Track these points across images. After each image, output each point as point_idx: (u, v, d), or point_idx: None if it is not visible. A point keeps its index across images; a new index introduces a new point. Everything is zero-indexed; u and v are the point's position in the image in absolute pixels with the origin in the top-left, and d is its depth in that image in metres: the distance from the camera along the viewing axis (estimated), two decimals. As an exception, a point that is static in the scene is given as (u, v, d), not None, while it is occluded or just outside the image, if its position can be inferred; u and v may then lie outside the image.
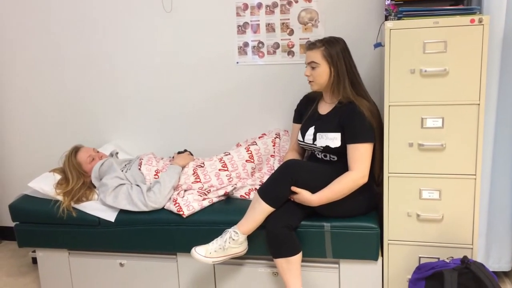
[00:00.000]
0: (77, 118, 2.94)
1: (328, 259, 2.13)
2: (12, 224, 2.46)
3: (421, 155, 1.98)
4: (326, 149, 2.12)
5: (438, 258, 2.02)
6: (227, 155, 2.42)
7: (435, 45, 1.88)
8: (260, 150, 2.44)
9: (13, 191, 3.12)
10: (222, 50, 2.68)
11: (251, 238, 2.08)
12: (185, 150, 2.63)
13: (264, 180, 2.28)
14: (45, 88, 2.94)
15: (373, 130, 2.03)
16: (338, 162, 2.12)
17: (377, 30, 2.45)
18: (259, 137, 2.58)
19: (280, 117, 2.69)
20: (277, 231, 1.99)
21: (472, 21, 1.83)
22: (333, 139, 2.08)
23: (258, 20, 2.60)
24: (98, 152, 2.53)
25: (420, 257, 2.06)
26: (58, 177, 2.43)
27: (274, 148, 2.49)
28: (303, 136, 2.22)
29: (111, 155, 2.61)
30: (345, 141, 2.06)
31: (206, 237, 2.13)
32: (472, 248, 2.00)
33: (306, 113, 2.29)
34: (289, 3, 2.54)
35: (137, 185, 2.30)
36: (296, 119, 2.35)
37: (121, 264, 2.36)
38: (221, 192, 2.31)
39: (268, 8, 2.57)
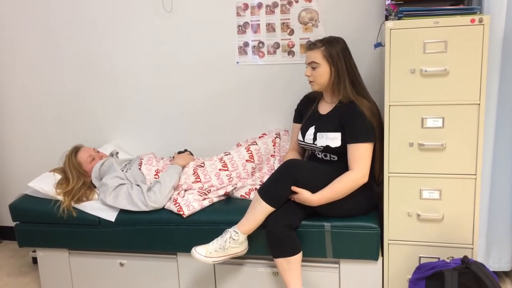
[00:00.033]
0: (77, 118, 2.94)
1: (328, 259, 2.13)
2: (12, 224, 2.46)
3: (422, 155, 1.98)
4: (326, 149, 2.12)
5: (439, 258, 2.02)
6: (227, 155, 2.42)
7: (436, 45, 1.88)
8: (260, 150, 2.44)
9: (13, 191, 3.12)
10: (222, 50, 2.68)
11: (251, 238, 2.08)
12: (185, 150, 2.63)
13: (265, 180, 2.28)
14: (45, 88, 2.94)
15: (374, 130, 2.03)
16: (339, 162, 2.12)
17: (378, 30, 2.45)
18: (259, 137, 2.58)
19: (280, 117, 2.69)
20: (278, 231, 1.99)
21: (473, 21, 1.83)
22: (333, 139, 2.08)
23: (259, 20, 2.60)
24: (98, 152, 2.53)
25: (420, 257, 2.06)
26: (58, 177, 2.43)
27: (274, 148, 2.49)
28: (303, 136, 2.22)
29: (111, 155, 2.61)
30: (345, 141, 2.06)
31: (206, 237, 2.13)
32: (472, 248, 2.00)
33: (306, 113, 2.29)
34: (289, 3, 2.54)
35: (137, 185, 2.30)
36: (296, 119, 2.35)
37: (121, 264, 2.36)
38: (221, 192, 2.32)
39: (268, 8, 2.57)
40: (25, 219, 2.38)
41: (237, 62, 2.68)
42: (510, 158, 2.21)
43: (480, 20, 1.82)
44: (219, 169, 2.36)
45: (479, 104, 1.89)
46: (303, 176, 2.01)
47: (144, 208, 2.23)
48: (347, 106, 2.08)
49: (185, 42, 2.71)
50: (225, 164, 2.38)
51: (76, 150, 2.48)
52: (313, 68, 2.10)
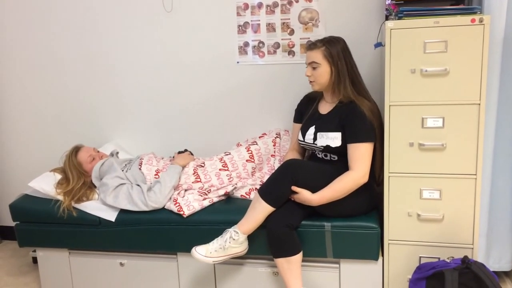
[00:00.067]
0: (77, 117, 2.94)
1: (329, 259, 2.13)
2: (12, 223, 2.46)
3: (422, 155, 1.98)
4: (327, 149, 2.12)
5: (439, 258, 2.02)
6: (227, 154, 2.42)
7: (436, 45, 1.88)
8: (260, 149, 2.44)
9: (13, 191, 3.12)
10: (222, 50, 2.68)
11: (251, 237, 2.08)
12: (186, 150, 2.63)
13: (265, 179, 2.28)
14: (45, 88, 2.94)
15: (374, 130, 2.03)
16: (339, 162, 2.12)
17: (378, 30, 2.45)
18: (259, 137, 2.58)
19: (281, 116, 2.69)
20: (278, 231, 1.99)
21: (473, 20, 1.83)
22: (333, 139, 2.08)
23: (259, 20, 2.60)
24: (98, 151, 2.53)
25: (420, 257, 2.06)
26: (58, 176, 2.43)
27: (274, 148, 2.48)
28: (303, 136, 2.22)
29: (112, 154, 2.61)
30: (345, 141, 2.05)
31: (207, 237, 2.13)
32: (472, 248, 2.00)
33: (306, 113, 2.29)
34: (290, 3, 2.54)
35: (138, 185, 2.30)
36: (297, 119, 2.35)
37: (122, 264, 2.36)
38: (222, 191, 2.31)
39: (268, 7, 2.57)
40: (25, 219, 2.38)
41: (237, 62, 2.68)
42: (510, 158, 2.21)
43: (481, 20, 1.82)
44: (219, 169, 2.36)
45: (479, 104, 1.89)
46: (303, 176, 2.01)
47: (144, 208, 2.23)
48: (348, 106, 2.08)
49: (185, 42, 2.71)
50: (225, 164, 2.38)
51: (76, 150, 2.48)
52: (314, 68, 2.10)
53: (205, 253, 2.00)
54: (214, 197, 2.30)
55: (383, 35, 2.03)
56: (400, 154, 1.99)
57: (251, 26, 2.62)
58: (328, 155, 2.16)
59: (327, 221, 2.07)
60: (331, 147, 2.09)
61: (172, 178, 2.29)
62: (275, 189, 2.02)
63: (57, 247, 2.38)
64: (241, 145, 2.57)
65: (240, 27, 2.63)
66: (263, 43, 2.62)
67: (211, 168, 2.37)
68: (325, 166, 2.11)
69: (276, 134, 2.56)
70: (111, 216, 2.27)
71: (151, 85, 2.81)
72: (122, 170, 2.40)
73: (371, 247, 2.05)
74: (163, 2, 2.68)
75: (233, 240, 2.01)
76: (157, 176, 2.36)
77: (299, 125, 2.31)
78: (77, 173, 2.40)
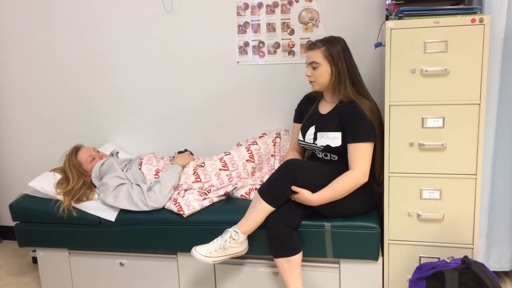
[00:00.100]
0: (77, 117, 2.94)
1: (329, 259, 2.13)
2: (12, 223, 2.46)
3: (422, 155, 1.97)
4: (327, 149, 2.12)
5: (439, 258, 2.02)
6: (227, 154, 2.42)
7: (436, 45, 1.88)
8: (260, 149, 2.44)
9: (13, 191, 3.12)
10: (222, 50, 2.68)
11: (251, 237, 2.08)
12: (186, 150, 2.63)
13: (265, 179, 2.28)
14: (45, 88, 2.94)
15: (374, 130, 2.03)
16: (339, 162, 2.12)
17: (378, 29, 2.45)
18: (259, 137, 2.58)
19: (281, 116, 2.69)
20: (278, 231, 1.99)
21: (473, 20, 1.83)
22: (333, 139, 2.08)
23: (259, 20, 2.60)
24: (98, 151, 2.53)
25: (420, 257, 2.06)
26: (58, 176, 2.43)
27: (274, 148, 2.48)
28: (303, 136, 2.22)
29: (112, 154, 2.61)
30: (345, 141, 2.05)
31: (207, 237, 2.13)
32: (472, 248, 2.00)
33: (306, 112, 2.29)
34: (290, 3, 2.54)
35: (138, 185, 2.29)
36: (297, 119, 2.35)
37: (122, 264, 2.36)
38: (222, 191, 2.31)
39: (268, 7, 2.57)
40: (25, 219, 2.38)
41: (238, 62, 2.68)
42: (510, 158, 2.21)
43: (481, 20, 1.82)
44: (219, 169, 2.36)
45: (479, 104, 1.89)
46: (303, 175, 2.01)
47: (144, 208, 2.23)
48: (348, 105, 2.08)
49: (185, 42, 2.71)
50: (225, 164, 2.38)
51: (76, 149, 2.48)
52: (314, 68, 2.10)
53: (205, 253, 2.00)
54: (214, 197, 2.30)
55: (383, 35, 2.03)
56: (400, 154, 1.99)
57: (251, 26, 2.62)
58: (328, 155, 2.16)
59: (327, 221, 2.07)
60: (331, 147, 2.09)
61: (172, 178, 2.29)
62: (275, 189, 2.02)
63: (57, 247, 2.38)
64: (241, 145, 2.57)
65: (240, 27, 2.63)
66: (263, 43, 2.62)
67: (211, 168, 2.37)
68: (325, 166, 2.11)
69: (276, 134, 2.56)
70: (111, 216, 2.27)
71: (151, 85, 2.81)
72: (122, 170, 2.40)
73: (371, 247, 2.05)
74: (163, 2, 2.68)
75: (233, 240, 2.01)
76: (157, 176, 2.36)
77: (299, 125, 2.31)
78: (77, 173, 2.40)
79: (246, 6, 2.60)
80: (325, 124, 2.13)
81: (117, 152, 2.66)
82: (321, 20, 2.53)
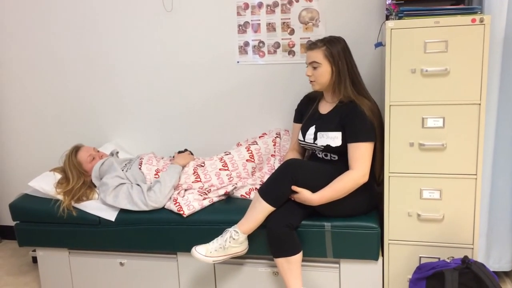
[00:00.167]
0: (77, 117, 2.94)
1: (329, 258, 2.13)
2: (12, 223, 2.46)
3: (422, 155, 1.97)
4: (327, 148, 2.12)
5: (439, 258, 2.02)
6: (227, 154, 2.42)
7: (436, 45, 1.88)
8: (260, 149, 2.44)
9: (13, 190, 3.12)
10: (222, 50, 2.68)
11: (251, 237, 2.08)
12: (186, 150, 2.63)
13: (265, 179, 2.28)
14: (45, 87, 2.94)
15: (374, 129, 2.02)
16: (339, 162, 2.12)
17: (378, 29, 2.45)
18: (259, 137, 2.58)
19: (281, 116, 2.69)
20: (278, 231, 1.99)
21: (473, 20, 1.83)
22: (334, 138, 2.08)
23: (259, 20, 2.60)
24: (98, 151, 2.53)
25: (420, 257, 2.06)
26: (58, 176, 2.43)
27: (274, 148, 2.48)
28: (303, 136, 2.22)
29: (112, 154, 2.61)
30: (345, 140, 2.05)
31: (207, 237, 2.13)
32: (472, 248, 2.00)
33: (306, 112, 2.28)
34: (290, 3, 2.54)
35: (138, 185, 2.29)
36: (297, 119, 2.35)
37: (122, 264, 2.36)
38: (222, 191, 2.31)
39: (268, 7, 2.57)
40: (25, 219, 2.38)
41: (238, 62, 2.68)
42: (511, 158, 2.21)
43: (481, 20, 1.82)
44: (219, 169, 2.36)
45: (479, 104, 1.89)
46: (303, 175, 2.01)
47: (144, 208, 2.23)
48: (348, 105, 2.08)
49: (185, 42, 2.71)
50: (225, 163, 2.38)
51: (76, 149, 2.48)
52: (314, 68, 2.10)
53: (205, 252, 2.00)
54: (214, 197, 2.30)
55: (384, 35, 2.03)
56: (400, 154, 1.99)
57: (251, 26, 2.62)
58: (329, 155, 2.16)
59: (327, 221, 2.07)
60: (331, 146, 2.09)
61: (172, 177, 2.28)
62: (275, 188, 2.02)
63: (57, 247, 2.38)
64: (241, 145, 2.57)
65: (240, 27, 2.63)
66: (263, 42, 2.62)
67: (211, 167, 2.37)
68: (325, 166, 2.11)
69: (276, 134, 2.56)
70: (111, 215, 2.27)
71: (151, 85, 2.81)
72: (122, 170, 2.40)
73: (371, 247, 2.05)
74: (163, 2, 2.68)
75: (233, 240, 2.01)
76: (157, 176, 2.36)
77: (299, 125, 2.31)
78: (77, 173, 2.39)
79: (246, 6, 2.60)
80: (325, 124, 2.13)
81: (117, 152, 2.66)
82: (321, 20, 2.53)
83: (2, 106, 3.03)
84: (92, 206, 2.32)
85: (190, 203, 2.22)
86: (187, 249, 2.16)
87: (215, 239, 2.04)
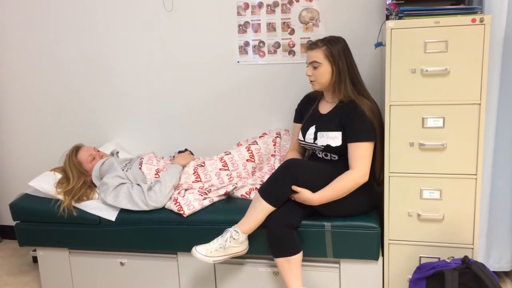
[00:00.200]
0: (77, 117, 2.94)
1: (329, 258, 2.13)
2: (12, 223, 2.46)
3: (422, 155, 1.97)
4: (327, 148, 2.12)
5: (439, 258, 2.02)
6: (227, 154, 2.42)
7: (436, 45, 1.88)
8: (260, 149, 2.44)
9: (13, 190, 3.12)
10: (223, 50, 2.68)
11: (251, 237, 2.08)
12: (186, 150, 2.63)
13: (265, 179, 2.28)
14: (45, 87, 2.94)
15: (374, 129, 2.03)
16: (339, 162, 2.12)
17: (378, 29, 2.45)
18: (259, 137, 2.58)
19: (281, 116, 2.69)
20: (278, 231, 1.99)
21: (473, 20, 1.83)
22: (334, 138, 2.08)
23: (259, 20, 2.60)
24: (98, 151, 2.53)
25: (420, 257, 2.06)
26: (58, 176, 2.43)
27: (274, 148, 2.48)
28: (303, 136, 2.22)
29: (112, 154, 2.61)
30: (346, 140, 2.05)
31: (207, 237, 2.13)
32: (472, 248, 2.00)
33: (306, 112, 2.29)
34: (290, 3, 2.53)
35: (138, 185, 2.30)
36: (297, 119, 2.35)
37: (122, 263, 2.36)
38: (222, 191, 2.31)
39: (269, 7, 2.57)
40: (26, 218, 2.38)
41: (238, 62, 2.68)
42: (511, 158, 2.21)
43: (481, 20, 1.82)
44: (220, 169, 2.36)
45: (479, 104, 1.89)
46: (304, 175, 2.01)
47: (144, 208, 2.23)
48: (348, 105, 2.08)
49: (185, 42, 2.71)
50: (226, 163, 2.38)
51: (76, 149, 2.48)
52: (315, 68, 2.10)
53: (206, 252, 2.00)
54: (214, 197, 2.30)
55: (384, 35, 2.03)
56: (401, 154, 1.99)
57: (251, 26, 2.62)
58: (329, 154, 2.16)
59: (327, 221, 2.07)
60: (331, 146, 2.09)
61: (172, 177, 2.29)
62: (275, 188, 2.02)
63: (57, 247, 2.39)
64: (241, 144, 2.57)
65: (241, 27, 2.63)
66: (263, 42, 2.62)
67: (211, 167, 2.37)
68: (325, 165, 2.11)
69: (277, 133, 2.56)
70: (111, 215, 2.27)
71: (151, 85, 2.81)
72: (123, 170, 2.40)
73: (371, 247, 2.05)
74: (164, 2, 2.68)
75: (234, 240, 2.01)
76: (157, 176, 2.36)
77: (299, 125, 2.31)
78: (77, 173, 2.40)
79: (247, 5, 2.60)
80: (325, 123, 2.13)
81: (118, 152, 2.66)
82: (322, 20, 2.53)
83: (2, 106, 3.03)
84: (93, 206, 2.32)
85: (191, 203, 2.22)
86: (188, 249, 2.16)
87: (215, 239, 2.04)
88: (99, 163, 2.41)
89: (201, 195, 2.28)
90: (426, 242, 2.04)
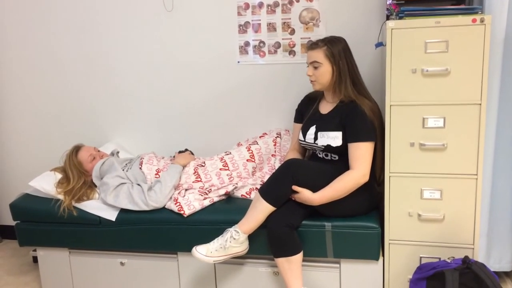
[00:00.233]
0: (77, 117, 2.94)
1: (329, 258, 2.13)
2: (13, 223, 2.46)
3: (423, 155, 1.97)
4: (328, 148, 2.12)
5: (439, 258, 2.02)
6: (228, 154, 2.42)
7: (437, 45, 1.88)
8: (261, 149, 2.44)
9: (14, 190, 3.12)
10: (223, 49, 2.68)
11: (252, 237, 2.08)
12: (186, 150, 2.63)
13: (265, 179, 2.28)
14: (45, 87, 2.94)
15: (375, 129, 2.03)
16: (339, 162, 2.12)
17: (379, 29, 2.45)
18: (260, 137, 2.58)
19: (281, 116, 2.69)
20: (278, 231, 1.99)
21: (474, 20, 1.83)
22: (334, 138, 2.08)
23: (259, 20, 2.60)
24: (99, 151, 2.53)
25: (421, 257, 2.06)
26: (59, 176, 2.43)
27: (275, 148, 2.48)
28: (304, 136, 2.22)
29: (112, 154, 2.61)
30: (346, 140, 2.05)
31: (207, 237, 2.13)
32: (473, 248, 2.00)
33: (307, 112, 2.29)
34: (290, 3, 2.53)
35: (138, 184, 2.29)
36: (297, 119, 2.35)
37: (122, 263, 2.36)
38: (222, 191, 2.31)
39: (269, 7, 2.57)
40: (26, 218, 2.38)
41: (238, 62, 2.68)
42: (511, 158, 2.21)
43: (482, 20, 1.82)
44: (220, 169, 2.36)
45: (480, 104, 1.89)
46: (304, 175, 2.01)
47: (144, 208, 2.23)
48: (348, 105, 2.08)
49: (185, 42, 2.71)
50: (226, 163, 2.38)
51: (76, 149, 2.48)
52: (315, 68, 2.10)
53: (206, 252, 2.00)
54: (214, 197, 2.30)
55: (384, 35, 2.03)
56: (401, 154, 1.99)
57: (251, 26, 2.61)
58: (329, 154, 2.16)
59: (327, 221, 2.07)
60: (332, 146, 2.09)
61: (172, 177, 2.29)
62: (275, 188, 2.02)
63: (57, 247, 2.38)
64: (241, 144, 2.57)
65: (241, 27, 2.63)
66: (263, 42, 2.62)
67: (212, 167, 2.37)
68: (325, 165, 2.11)
69: (277, 133, 2.56)
70: (112, 215, 2.27)
71: (151, 85, 2.81)
72: (123, 170, 2.40)
73: (371, 247, 2.05)
74: (164, 2, 2.68)
75: (234, 240, 2.01)
76: (157, 176, 2.36)
77: (299, 125, 2.31)
78: (77, 173, 2.39)
79: (247, 5, 2.60)
80: (325, 123, 2.13)
81: (118, 152, 2.66)
82: (322, 20, 2.52)
83: (2, 106, 3.03)
84: (93, 206, 2.32)
85: (191, 203, 2.22)
86: (188, 249, 2.16)
87: (216, 239, 2.04)
88: (99, 163, 2.41)
89: (202, 195, 2.28)
90: (427, 242, 2.04)
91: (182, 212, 2.19)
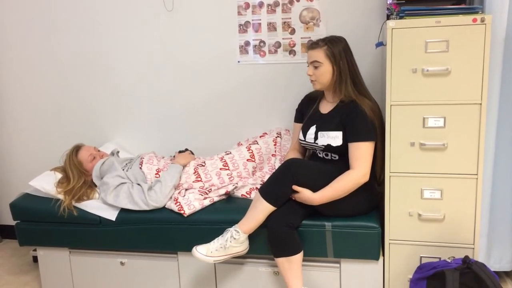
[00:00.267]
0: (78, 117, 2.94)
1: (329, 258, 2.13)
2: (13, 222, 2.46)
3: (423, 155, 1.97)
4: (328, 148, 2.12)
5: (440, 258, 2.02)
6: (228, 154, 2.42)
7: (437, 45, 1.88)
8: (261, 149, 2.44)
9: (14, 190, 3.12)
10: (223, 49, 2.68)
11: (252, 237, 2.08)
12: (186, 149, 2.63)
13: (265, 179, 2.28)
14: (45, 87, 2.94)
15: (375, 129, 2.02)
16: (340, 161, 2.12)
17: (379, 29, 2.45)
18: (260, 136, 2.58)
19: (281, 116, 2.69)
20: (279, 230, 1.99)
21: (474, 20, 1.83)
22: (334, 138, 2.08)
23: (260, 19, 2.60)
24: (99, 151, 2.53)
25: (421, 256, 2.06)
26: (59, 175, 2.43)
27: (275, 147, 2.48)
28: (304, 135, 2.22)
29: (112, 154, 2.60)
30: (346, 140, 2.05)
31: (207, 236, 2.13)
32: (473, 248, 2.00)
33: (307, 112, 2.28)
34: (291, 2, 2.53)
35: (138, 184, 2.29)
36: (298, 119, 2.35)
37: (122, 263, 2.36)
38: (222, 191, 2.31)
39: (269, 7, 2.57)
40: (26, 218, 2.38)
41: (238, 61, 2.68)
42: (511, 158, 2.20)
43: (482, 20, 1.82)
44: (220, 168, 2.36)
45: (480, 103, 1.89)
46: (304, 175, 2.01)
47: (145, 207, 2.23)
48: (349, 105, 2.08)
49: (186, 41, 2.71)
50: (226, 163, 2.38)
51: (77, 149, 2.48)
52: (316, 67, 2.10)
53: (206, 252, 2.00)
54: (214, 197, 2.30)
55: (384, 35, 2.03)
56: (401, 153, 1.99)
57: (252, 26, 2.61)
58: (329, 154, 2.16)
59: (327, 220, 2.07)
60: (332, 146, 2.09)
61: (172, 177, 2.28)
62: (276, 188, 2.02)
63: (57, 246, 2.38)
64: (241, 144, 2.57)
65: (241, 26, 2.63)
66: (264, 42, 2.62)
67: (212, 167, 2.37)
68: (326, 165, 2.11)
69: (277, 133, 2.56)
70: (112, 215, 2.27)
71: (151, 85, 2.81)
72: (123, 169, 2.40)
73: (372, 247, 2.05)
74: (164, 2, 2.68)
75: (234, 240, 2.01)
76: (157, 176, 2.36)
77: (300, 125, 2.31)
78: (77, 172, 2.39)
79: (247, 5, 2.59)
80: (326, 123, 2.13)
81: (118, 152, 2.66)
82: (322, 19, 2.52)
83: (2, 106, 3.03)
84: (93, 206, 2.32)
85: (191, 203, 2.22)
86: (188, 249, 2.16)
87: (216, 239, 2.04)
88: (100, 163, 2.41)
89: (202, 195, 2.28)
90: (427, 242, 2.04)
91: (182, 212, 2.19)
